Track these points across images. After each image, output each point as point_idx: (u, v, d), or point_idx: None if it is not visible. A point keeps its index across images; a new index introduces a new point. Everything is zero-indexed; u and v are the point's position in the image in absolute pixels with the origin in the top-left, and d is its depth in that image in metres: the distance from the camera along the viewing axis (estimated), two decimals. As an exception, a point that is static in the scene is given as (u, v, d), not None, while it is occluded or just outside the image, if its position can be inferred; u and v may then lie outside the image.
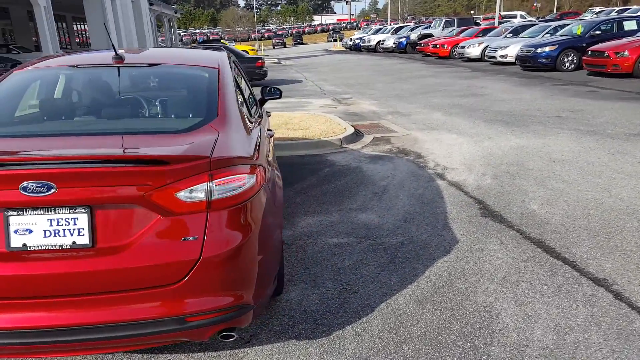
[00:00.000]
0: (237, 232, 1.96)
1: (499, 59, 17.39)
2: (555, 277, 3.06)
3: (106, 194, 1.78)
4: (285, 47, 59.73)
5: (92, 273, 1.78)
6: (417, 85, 13.94)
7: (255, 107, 3.74)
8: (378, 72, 19.03)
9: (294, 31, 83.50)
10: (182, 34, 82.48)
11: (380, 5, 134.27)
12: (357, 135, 7.70)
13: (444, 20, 29.62)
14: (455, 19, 29.51)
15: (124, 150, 1.98)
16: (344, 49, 41.54)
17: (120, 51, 2.85)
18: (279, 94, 4.70)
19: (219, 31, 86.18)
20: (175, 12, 44.64)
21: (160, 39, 42.23)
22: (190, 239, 1.85)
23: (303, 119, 8.58)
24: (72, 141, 2.07)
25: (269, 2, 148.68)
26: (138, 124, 2.39)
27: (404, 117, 9.12)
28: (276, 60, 29.67)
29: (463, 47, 20.41)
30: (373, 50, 33.24)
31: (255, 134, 2.62)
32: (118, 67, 2.72)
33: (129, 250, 1.81)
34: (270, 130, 4.45)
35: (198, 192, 1.86)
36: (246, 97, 3.50)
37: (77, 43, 35.55)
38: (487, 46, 18.73)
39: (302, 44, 64.99)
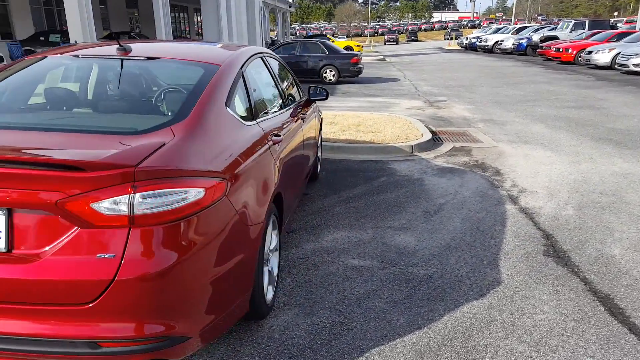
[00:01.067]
0: (168, 252, 1.73)
1: (633, 68, 15.26)
2: (611, 349, 2.40)
3: (23, 197, 1.65)
4: (397, 43, 58.83)
5: (4, 280, 1.66)
6: (525, 91, 12.70)
7: (289, 109, 3.49)
8: (486, 74, 17.77)
9: (409, 28, 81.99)
10: (297, 27, 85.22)
11: (509, 4, 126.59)
12: (434, 142, 7.12)
13: (572, 22, 26.84)
14: (587, 21, 26.58)
15: (49, 151, 1.82)
16: (459, 47, 39.74)
17: (128, 43, 2.76)
18: (325, 95, 4.43)
19: (333, 26, 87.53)
20: (290, 7, 46.05)
21: (274, 32, 43.88)
22: (107, 256, 1.65)
23: (379, 121, 8.16)
24: (8, 136, 1.97)
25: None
26: (96, 120, 2.26)
27: (497, 126, 8.29)
28: (381, 57, 29.20)
29: (590, 52, 18.28)
30: (489, 50, 31.29)
31: (244, 140, 2.36)
32: (122, 60, 2.61)
33: (44, 261, 1.66)
34: (311, 136, 4.18)
35: (120, 205, 1.65)
36: (270, 97, 3.26)
37: (195, 33, 38.20)
38: (619, 53, 16.55)
39: (416, 41, 63.51)
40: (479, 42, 33.07)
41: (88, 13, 14.28)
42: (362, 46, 33.42)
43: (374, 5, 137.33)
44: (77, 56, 2.72)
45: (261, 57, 3.41)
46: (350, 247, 3.61)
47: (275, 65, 3.74)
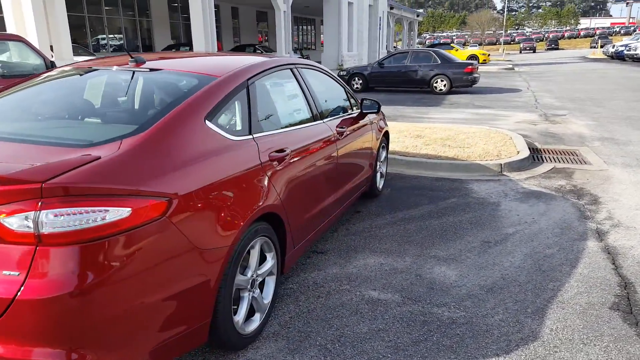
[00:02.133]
0: (78, 274, 1.62)
1: None
2: None
3: None
4: (534, 52, 54.56)
5: None
6: (671, 105, 10.77)
7: (320, 123, 3.26)
8: (625, 86, 15.51)
9: (550, 35, 75.55)
10: (426, 37, 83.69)
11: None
12: (531, 161, 6.31)
13: None
14: None
15: None
16: (604, 56, 35.51)
17: (141, 55, 2.79)
18: (376, 108, 4.13)
19: (466, 34, 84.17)
20: (417, 16, 45.31)
21: (395, 42, 43.60)
22: (12, 273, 1.60)
23: (472, 135, 7.48)
24: None
25: (530, 4, 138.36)
26: (58, 131, 2.24)
27: (616, 147, 7.10)
28: (510, 66, 27.19)
29: None
30: (639, 60, 27.39)
31: (221, 156, 2.20)
32: (123, 72, 2.62)
33: None
34: (361, 151, 3.91)
35: (29, 221, 1.60)
36: (290, 111, 3.07)
37: (321, 44, 39.40)
38: None
39: (556, 49, 58.21)
40: (627, 51, 29.12)
41: (212, 28, 15.44)
42: (489, 54, 31.47)
43: (513, 13, 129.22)
44: (90, 68, 2.82)
45: (290, 69, 3.24)
46: (378, 275, 3.25)
47: (311, 77, 3.54)
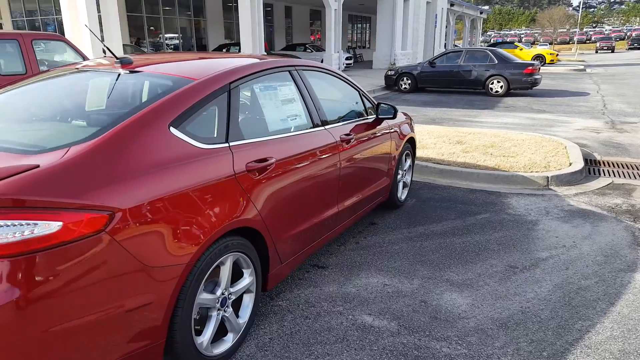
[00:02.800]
0: (4, 289, 1.54)
1: None
2: None
3: None
4: (612, 52, 51.29)
5: None
6: None
7: (320, 130, 3.06)
8: None
9: (632, 34, 70.79)
10: (491, 35, 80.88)
11: None
12: (586, 175, 5.78)
13: None
14: None
15: None
16: (694, 57, 32.73)
17: (130, 56, 2.70)
18: (392, 113, 3.87)
19: (536, 33, 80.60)
20: (481, 13, 43.86)
21: (455, 40, 42.48)
22: None
23: (521, 142, 6.98)
24: None
25: (611, 0, 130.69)
26: (13, 136, 2.15)
27: (690, 160, 6.38)
28: (581, 67, 25.63)
29: None
30: None
31: (184, 165, 2.06)
32: (114, 74, 2.54)
33: None
34: (377, 158, 3.69)
35: None
36: (283, 116, 2.87)
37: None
38: None
39: None
40: None
41: (259, 28, 15.57)
42: (557, 54, 29.83)
43: (591, 10, 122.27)
44: (76, 70, 2.76)
45: (289, 72, 3.06)
46: (378, 298, 3.00)
47: (317, 80, 3.34)
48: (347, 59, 23.43)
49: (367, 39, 39.28)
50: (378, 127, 3.93)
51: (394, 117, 3.89)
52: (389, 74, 15.25)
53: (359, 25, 37.76)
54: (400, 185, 4.66)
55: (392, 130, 4.18)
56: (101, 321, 1.76)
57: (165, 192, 1.95)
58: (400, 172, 4.60)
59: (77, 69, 2.76)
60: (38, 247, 1.58)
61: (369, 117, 3.89)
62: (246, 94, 2.69)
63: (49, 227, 1.60)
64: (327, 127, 3.20)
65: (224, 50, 18.37)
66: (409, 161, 4.79)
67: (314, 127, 3.08)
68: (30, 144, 1.98)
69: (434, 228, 4.17)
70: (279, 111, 2.87)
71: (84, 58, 7.86)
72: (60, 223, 1.62)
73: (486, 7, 56.13)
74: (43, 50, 6.40)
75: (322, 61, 20.85)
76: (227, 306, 2.36)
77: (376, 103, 3.99)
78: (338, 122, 3.40)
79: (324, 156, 3.03)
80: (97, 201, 1.72)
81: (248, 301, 2.54)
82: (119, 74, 2.53)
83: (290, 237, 2.79)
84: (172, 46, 22.07)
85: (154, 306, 1.92)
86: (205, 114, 2.33)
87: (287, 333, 2.63)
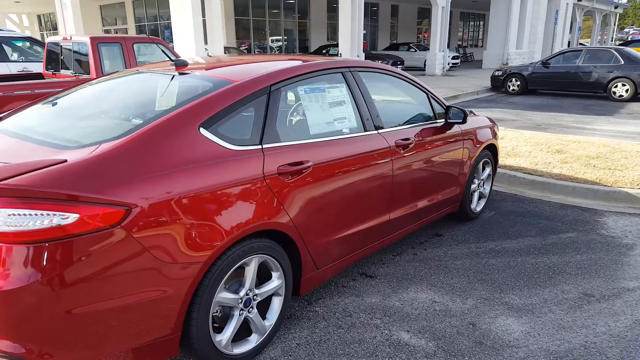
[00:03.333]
0: (24, 273, 1.72)
1: None
2: None
3: None
4: None
5: None
6: None
7: (371, 134, 3.00)
8: None
9: None
10: (629, 32, 73.25)
11: None
12: None
13: None
14: None
15: None
16: None
17: (186, 59, 2.86)
18: (461, 118, 3.67)
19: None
20: (616, 7, 39.96)
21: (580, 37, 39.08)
22: None
23: (634, 155, 6.23)
24: None
25: None
26: (60, 132, 2.31)
27: None
28: None
29: None
30: None
31: (211, 166, 2.13)
32: (168, 76, 2.71)
33: None
34: (442, 165, 3.54)
35: None
36: (328, 119, 2.85)
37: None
38: None
39: None
40: None
41: (359, 28, 15.66)
42: None
43: None
44: (137, 71, 2.98)
45: (342, 73, 3.03)
46: (422, 315, 2.87)
47: (375, 82, 3.27)
48: (453, 58, 22.67)
49: (479, 37, 37.67)
50: (447, 132, 3.75)
51: (463, 121, 3.68)
52: (496, 74, 14.46)
53: (472, 23, 36.34)
54: (476, 195, 4.40)
55: (466, 136, 3.96)
56: (115, 309, 1.88)
57: (187, 191, 2.03)
58: (475, 181, 4.35)
59: (138, 70, 2.99)
60: (56, 236, 1.74)
61: (437, 121, 3.73)
62: (289, 96, 2.71)
63: (67, 218, 1.75)
64: (381, 131, 3.12)
65: (324, 52, 18.72)
66: (487, 170, 4.50)
67: (365, 131, 3.02)
68: (72, 139, 2.17)
69: (507, 245, 3.87)
70: (324, 114, 2.85)
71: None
72: (77, 215, 1.77)
73: (624, 1, 50.96)
74: (142, 52, 7.03)
75: (424, 61, 20.39)
76: (251, 307, 2.40)
77: (446, 106, 3.80)
78: (396, 126, 3.30)
79: (372, 162, 2.96)
80: (115, 196, 1.84)
81: (276, 304, 2.56)
82: (173, 76, 2.70)
83: (328, 243, 2.76)
84: (277, 48, 23.00)
85: (169, 301, 2.01)
86: (240, 115, 2.39)
87: (316, 340, 2.61)
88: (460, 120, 3.68)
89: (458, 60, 23.20)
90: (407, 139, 3.27)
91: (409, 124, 3.45)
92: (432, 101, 3.76)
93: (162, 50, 7.30)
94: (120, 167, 1.92)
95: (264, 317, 2.52)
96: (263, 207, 2.31)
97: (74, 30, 14.73)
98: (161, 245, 1.95)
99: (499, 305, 2.98)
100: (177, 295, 2.03)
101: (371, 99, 3.14)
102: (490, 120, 4.62)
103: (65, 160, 1.88)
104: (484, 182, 4.52)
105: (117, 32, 23.58)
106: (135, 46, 6.94)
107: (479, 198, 4.51)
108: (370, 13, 27.33)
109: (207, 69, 2.76)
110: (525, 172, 5.51)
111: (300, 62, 2.87)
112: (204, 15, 12.23)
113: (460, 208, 4.18)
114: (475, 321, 2.81)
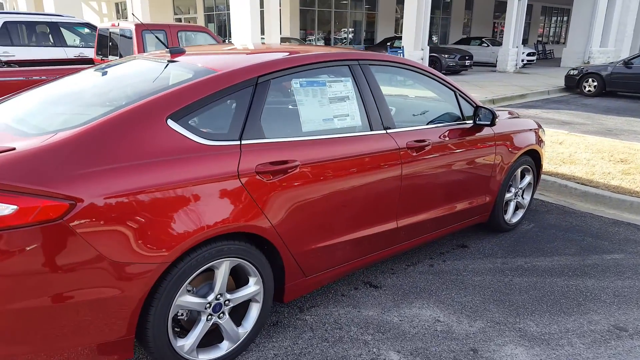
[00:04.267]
0: None
1: None
2: None
3: None
4: None
5: None
6: None
7: (379, 134, 2.80)
8: None
9: None
10: None
11: None
12: None
13: None
14: None
15: None
16: None
17: (186, 47, 2.79)
18: (489, 120, 3.37)
19: None
20: None
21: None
22: None
23: None
24: None
25: None
26: (34, 119, 2.23)
27: None
28: None
29: None
30: None
31: (176, 161, 2.02)
32: (163, 64, 2.63)
33: None
34: (467, 171, 3.30)
35: None
36: (327, 116, 2.67)
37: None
38: None
39: None
40: None
41: (425, 20, 15.18)
42: None
43: None
44: (135, 58, 2.93)
45: (349, 66, 2.83)
46: (419, 335, 2.64)
47: (390, 77, 3.05)
48: (529, 54, 21.47)
49: (562, 33, 35.49)
50: (476, 134, 3.45)
51: (492, 123, 3.36)
52: (571, 73, 13.49)
53: (554, 19, 34.30)
54: (511, 205, 4.05)
55: (499, 140, 3.63)
56: (56, 306, 1.82)
57: (145, 186, 1.93)
58: (512, 190, 4.01)
59: (136, 57, 2.95)
60: None
61: (465, 122, 3.44)
62: (278, 89, 2.56)
63: (4, 209, 1.70)
64: (390, 131, 2.90)
65: (388, 44, 18.28)
66: (528, 178, 4.13)
67: (372, 130, 2.82)
68: (38, 127, 2.13)
69: (539, 262, 3.52)
70: (322, 110, 2.67)
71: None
72: (16, 207, 1.71)
73: None
74: (187, 39, 7.13)
75: (496, 57, 19.46)
76: (222, 312, 2.29)
77: (475, 106, 3.50)
78: (411, 125, 3.06)
79: (375, 164, 2.74)
80: (58, 189, 1.76)
81: (254, 311, 2.43)
82: (166, 64, 2.63)
83: (319, 249, 2.59)
84: (342, 40, 22.84)
85: (119, 301, 1.92)
86: (218, 108, 2.27)
87: (296, 352, 2.46)
88: (488, 123, 3.36)
89: (534, 57, 21.94)
90: (423, 141, 3.02)
91: (428, 124, 3.20)
92: (461, 100, 3.47)
93: (209, 38, 7.37)
94: (68, 157, 1.84)
95: (238, 324, 2.40)
96: (236, 207, 2.18)
97: (141, 18, 15.32)
98: (110, 243, 1.86)
99: (511, 331, 2.69)
100: (129, 296, 1.94)
101: (382, 95, 2.93)
102: (536, 123, 4.24)
103: (14, 149, 1.84)
104: (523, 192, 4.15)
105: (189, 22, 24.38)
106: (179, 34, 7.06)
107: (516, 208, 4.15)
108: (443, 5, 26.47)
109: (200, 58, 2.66)
110: (578, 182, 5.04)
111: (300, 53, 2.71)
112: (262, 6, 12.30)
113: (491, 218, 3.86)
114: (478, 347, 2.55)
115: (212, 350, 2.31)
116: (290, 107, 2.58)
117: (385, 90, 3.06)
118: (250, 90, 2.36)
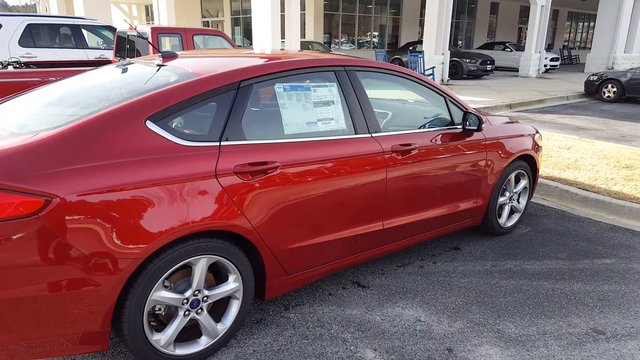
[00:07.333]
0: None
1: None
2: None
3: None
4: None
5: None
6: None
7: (362, 138, 2.86)
8: None
9: None
10: None
11: None
12: None
13: None
14: None
15: None
16: None
17: (183, 52, 2.88)
18: (476, 125, 3.39)
19: None
20: None
21: None
22: None
23: None
24: None
25: None
26: (28, 120, 2.34)
27: None
28: None
29: None
30: None
31: (154, 160, 2.10)
32: (153, 67, 2.72)
33: None
34: (457, 175, 3.32)
35: None
36: (311, 120, 2.72)
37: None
38: None
39: None
40: None
41: (446, 24, 15.06)
42: None
43: None
44: (130, 62, 3.04)
45: (335, 72, 2.89)
46: (398, 334, 2.68)
47: (376, 83, 3.09)
48: (552, 60, 21.05)
49: (588, 38, 34.63)
50: (466, 139, 3.46)
51: (478, 128, 3.37)
52: (591, 79, 13.19)
53: (581, 24, 33.51)
54: (506, 209, 4.04)
55: (491, 145, 3.63)
56: (30, 298, 1.90)
57: (121, 184, 2.00)
58: (506, 194, 3.99)
59: (130, 61, 3.06)
60: None
61: (456, 127, 3.45)
62: (261, 93, 2.62)
63: None
64: (376, 134, 2.94)
65: (410, 48, 18.20)
66: (523, 182, 4.11)
67: (356, 133, 2.87)
68: (25, 127, 2.23)
69: (528, 266, 3.51)
70: (305, 114, 2.73)
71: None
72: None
73: None
74: (203, 43, 7.27)
75: (519, 63, 19.15)
76: (200, 308, 2.36)
77: (464, 111, 3.51)
78: (399, 130, 3.10)
79: (358, 166, 2.79)
80: (34, 186, 1.85)
81: (234, 308, 2.49)
82: (157, 68, 2.72)
83: (302, 248, 2.66)
84: (366, 43, 22.82)
85: (94, 295, 2.00)
86: (199, 110, 2.35)
87: (275, 349, 2.53)
88: (475, 128, 3.37)
89: (557, 63, 21.50)
90: (409, 145, 3.06)
91: (416, 129, 3.23)
92: (451, 105, 3.49)
93: (225, 42, 7.49)
94: (46, 156, 1.93)
95: (218, 320, 2.47)
96: (213, 206, 2.25)
97: (166, 21, 15.64)
98: (85, 238, 1.94)
99: (489, 332, 2.71)
100: (103, 290, 2.01)
101: (367, 100, 2.97)
102: (534, 129, 4.21)
103: None
104: (518, 196, 4.13)
105: (217, 26, 24.73)
106: (195, 38, 7.21)
107: (512, 212, 4.14)
108: (468, 10, 26.17)
109: (189, 62, 2.75)
110: (579, 187, 4.97)
111: (285, 59, 2.78)
112: (283, 10, 12.41)
113: (484, 222, 3.86)
114: (454, 347, 2.57)
115: (190, 345, 2.38)
116: (273, 110, 2.65)
117: (378, 95, 3.10)
118: (232, 94, 2.44)
